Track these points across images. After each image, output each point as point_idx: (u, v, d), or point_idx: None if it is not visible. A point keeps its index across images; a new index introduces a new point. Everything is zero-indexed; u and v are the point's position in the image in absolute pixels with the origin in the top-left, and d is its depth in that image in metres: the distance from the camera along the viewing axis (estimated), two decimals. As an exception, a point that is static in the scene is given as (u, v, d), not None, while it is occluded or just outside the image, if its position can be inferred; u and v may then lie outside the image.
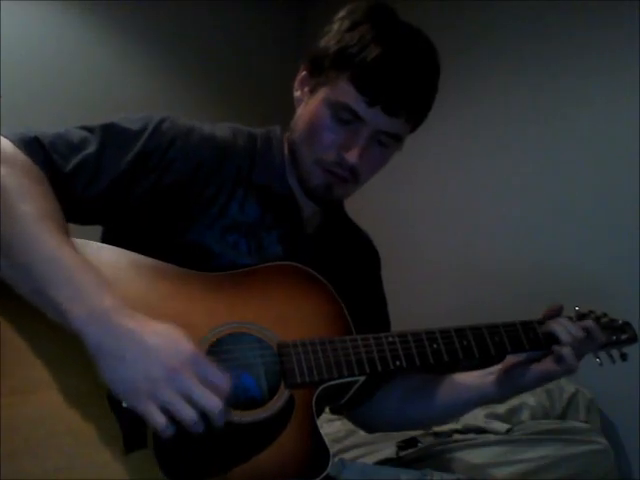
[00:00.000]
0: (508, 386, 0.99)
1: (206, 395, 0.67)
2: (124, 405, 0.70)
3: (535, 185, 2.21)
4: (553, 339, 0.95)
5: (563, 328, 0.95)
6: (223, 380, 0.70)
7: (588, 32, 2.08)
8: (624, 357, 1.04)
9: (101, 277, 0.73)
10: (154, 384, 0.67)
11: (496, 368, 1.01)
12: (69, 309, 0.68)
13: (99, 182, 0.85)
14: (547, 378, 0.96)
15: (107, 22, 2.51)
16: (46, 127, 0.86)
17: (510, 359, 1.00)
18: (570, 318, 1.01)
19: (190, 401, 0.67)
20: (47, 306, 0.71)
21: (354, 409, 1.13)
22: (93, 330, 0.68)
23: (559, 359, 0.93)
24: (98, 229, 0.96)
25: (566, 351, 0.93)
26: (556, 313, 1.00)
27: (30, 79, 2.27)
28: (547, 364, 0.95)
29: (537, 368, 0.96)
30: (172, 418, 0.67)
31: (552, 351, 0.95)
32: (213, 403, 0.68)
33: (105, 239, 0.93)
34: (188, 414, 0.67)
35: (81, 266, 0.72)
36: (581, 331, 0.95)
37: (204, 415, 0.68)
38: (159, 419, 0.66)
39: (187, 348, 0.69)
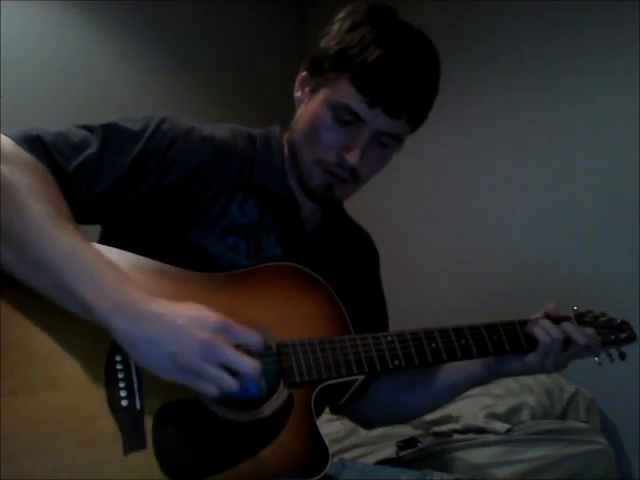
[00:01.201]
0: (494, 369, 1.01)
1: (241, 360, 0.71)
2: (123, 405, 0.70)
3: (535, 185, 2.21)
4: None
5: (542, 330, 0.97)
6: (254, 338, 0.73)
7: (588, 32, 2.08)
8: (623, 356, 1.04)
9: (119, 269, 0.74)
10: (191, 359, 0.69)
11: None
12: (94, 302, 0.70)
13: (101, 183, 0.85)
14: (530, 370, 0.99)
15: (107, 22, 2.51)
16: (46, 127, 0.86)
17: None
18: (568, 318, 1.01)
19: (229, 368, 0.70)
20: (69, 300, 0.71)
21: (352, 403, 1.13)
22: (121, 320, 0.70)
23: (544, 353, 0.96)
24: (97, 229, 0.96)
25: (541, 349, 0.96)
26: (553, 314, 1.00)
27: (30, 79, 2.27)
28: (533, 357, 0.97)
29: (522, 359, 0.98)
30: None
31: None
32: (249, 366, 0.71)
33: (103, 239, 0.93)
34: (231, 382, 0.70)
35: (100, 259, 0.73)
36: (559, 332, 0.96)
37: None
38: (211, 389, 0.71)
39: (213, 319, 0.72)
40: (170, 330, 0.70)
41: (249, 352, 0.73)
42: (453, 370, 1.04)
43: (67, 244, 0.72)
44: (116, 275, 0.73)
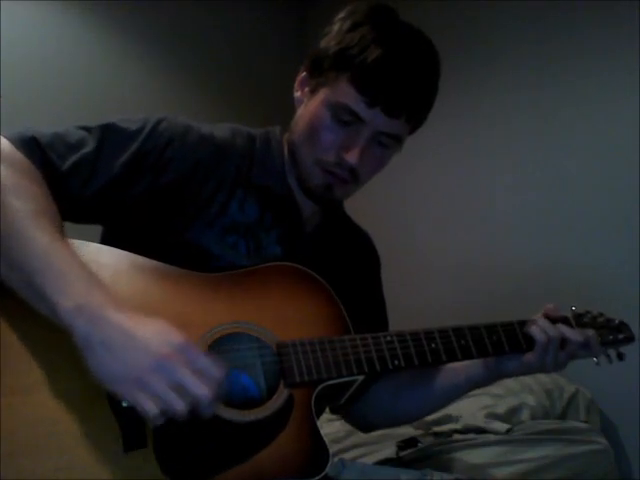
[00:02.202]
0: (494, 370, 1.00)
1: (196, 384, 0.67)
2: (124, 405, 0.70)
3: (535, 185, 2.21)
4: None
5: (539, 329, 0.96)
6: (215, 369, 0.69)
7: (588, 32, 2.08)
8: (621, 357, 1.04)
9: (92, 273, 0.73)
10: (143, 373, 0.66)
11: None
12: (58, 302, 0.69)
13: (96, 181, 0.86)
14: (529, 370, 0.98)
15: (107, 22, 2.51)
16: (46, 127, 0.87)
17: None
18: (566, 318, 1.01)
19: (179, 390, 0.67)
20: (38, 300, 0.71)
21: (351, 405, 1.13)
22: (81, 323, 0.68)
23: (542, 353, 0.96)
24: (98, 229, 0.96)
25: (537, 349, 0.95)
26: (552, 314, 1.00)
27: (30, 79, 2.27)
28: (528, 357, 0.97)
29: (522, 359, 0.97)
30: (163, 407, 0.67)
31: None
32: (202, 392, 0.67)
33: (105, 239, 0.94)
34: (178, 404, 0.66)
35: (72, 261, 0.72)
36: (556, 331, 0.96)
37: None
38: (150, 408, 0.66)
39: (177, 338, 0.69)
40: (128, 339, 0.67)
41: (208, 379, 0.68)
42: (453, 372, 1.04)
43: (42, 244, 0.71)
44: (87, 278, 0.71)
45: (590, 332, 0.99)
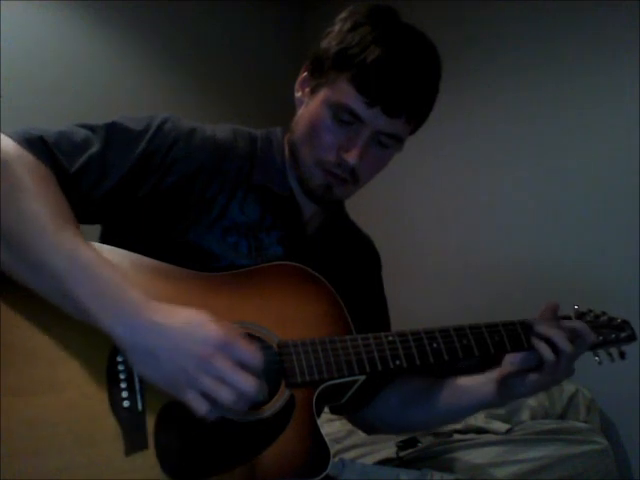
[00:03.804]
0: (506, 394, 0.98)
1: (240, 377, 0.69)
2: (125, 405, 0.70)
3: (535, 185, 2.21)
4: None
5: (547, 348, 0.93)
6: (254, 357, 0.71)
7: (588, 32, 2.08)
8: (623, 355, 1.04)
9: (121, 274, 0.73)
10: (189, 375, 0.68)
11: (495, 375, 1.01)
12: (94, 308, 0.69)
13: (104, 182, 0.85)
14: (542, 386, 0.96)
15: (107, 22, 2.51)
16: (46, 126, 0.86)
17: (507, 367, 1.00)
18: (568, 318, 1.01)
19: (227, 384, 0.69)
20: (68, 304, 0.71)
21: (353, 413, 1.13)
22: (122, 329, 0.69)
23: (546, 367, 0.93)
24: (97, 229, 0.96)
25: (559, 366, 0.92)
26: (552, 312, 0.99)
27: (30, 79, 2.27)
28: (540, 373, 0.94)
29: (532, 377, 0.95)
30: (214, 403, 0.69)
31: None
32: (248, 383, 0.69)
33: (104, 240, 0.93)
34: (226, 397, 0.68)
35: (101, 264, 0.72)
36: (570, 346, 0.92)
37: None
38: (202, 406, 0.68)
39: (214, 333, 0.70)
40: (169, 343, 0.69)
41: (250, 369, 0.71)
42: (464, 392, 1.03)
43: (68, 247, 0.71)
44: (119, 279, 0.72)
45: (578, 324, 0.96)
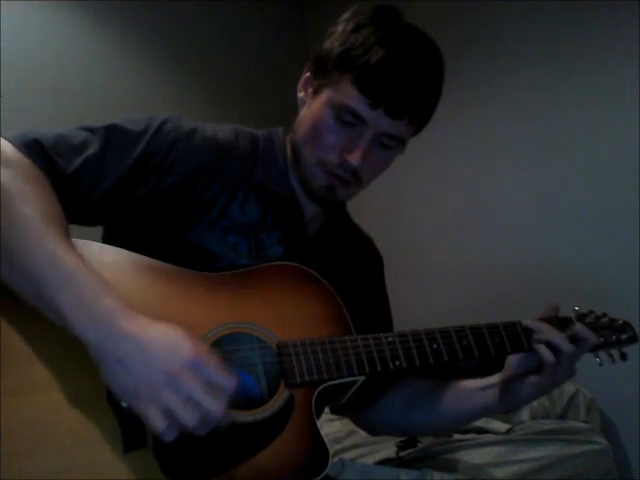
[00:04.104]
0: (509, 400, 0.98)
1: (207, 399, 0.66)
2: (123, 405, 0.70)
3: (535, 185, 2.21)
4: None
5: (547, 346, 0.93)
6: (226, 381, 0.68)
7: (588, 31, 2.08)
8: (624, 357, 1.04)
9: (101, 280, 0.72)
10: (155, 389, 0.66)
11: (497, 380, 1.01)
12: (69, 313, 0.68)
13: (102, 183, 0.85)
14: (544, 388, 0.96)
15: (107, 22, 2.51)
16: (46, 127, 0.86)
17: (508, 371, 1.00)
18: (569, 319, 1.01)
19: (192, 405, 0.66)
20: (48, 310, 0.70)
21: (355, 414, 1.13)
22: (94, 335, 0.68)
23: (546, 369, 0.93)
24: (99, 230, 0.96)
25: (559, 368, 0.92)
26: (552, 313, 0.99)
27: (30, 79, 2.27)
28: (541, 375, 0.94)
29: (533, 379, 0.95)
30: (174, 422, 0.66)
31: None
32: (215, 407, 0.66)
33: (106, 240, 0.93)
34: (189, 418, 0.66)
35: (80, 269, 0.71)
36: (569, 346, 0.92)
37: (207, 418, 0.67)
38: (159, 423, 0.66)
39: (187, 352, 0.68)
40: (139, 355, 0.67)
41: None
42: (468, 397, 1.03)
43: (49, 252, 0.70)
44: (95, 286, 0.70)
45: (579, 328, 0.96)
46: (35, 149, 0.81)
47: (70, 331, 0.69)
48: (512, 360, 1.00)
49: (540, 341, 0.94)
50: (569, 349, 0.92)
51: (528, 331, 0.96)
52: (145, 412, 0.66)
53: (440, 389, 1.07)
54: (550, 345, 0.93)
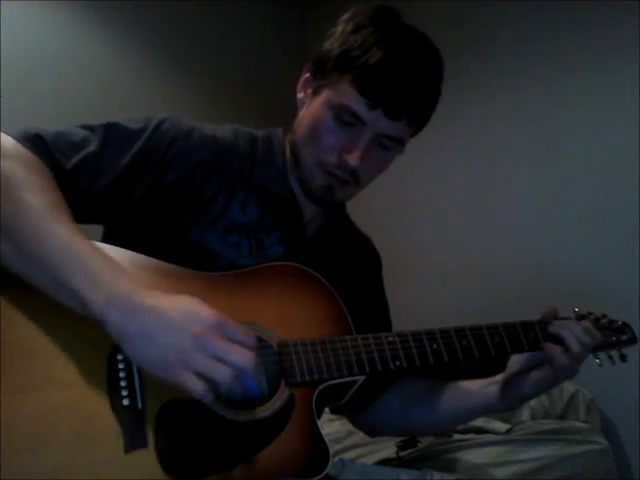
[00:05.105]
0: (510, 396, 0.98)
1: (237, 351, 0.69)
2: (125, 404, 0.70)
3: (536, 185, 2.21)
4: (558, 342, 0.94)
5: (572, 334, 0.93)
6: (247, 335, 0.72)
7: (588, 31, 2.08)
8: (624, 358, 1.04)
9: (115, 262, 0.73)
10: (185, 354, 0.67)
11: (499, 377, 1.01)
12: (88, 296, 0.69)
13: (100, 181, 0.86)
14: (547, 384, 0.96)
15: (107, 22, 2.51)
16: (46, 127, 0.86)
17: (512, 368, 1.00)
18: (569, 320, 1.01)
19: (222, 361, 0.68)
20: (65, 295, 0.71)
21: (354, 414, 1.13)
22: (115, 314, 0.69)
23: (561, 365, 0.92)
24: (99, 229, 0.96)
25: (573, 358, 0.92)
26: (551, 315, 0.99)
27: (30, 79, 2.27)
28: (545, 370, 0.94)
29: (536, 375, 0.95)
30: (210, 383, 0.68)
31: (549, 353, 0.93)
32: (244, 358, 0.69)
33: (106, 239, 0.93)
34: (224, 373, 0.68)
35: (94, 252, 0.73)
36: (589, 338, 0.93)
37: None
38: (197, 386, 0.67)
39: (208, 314, 0.70)
40: (163, 324, 0.69)
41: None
42: (466, 396, 1.03)
43: (62, 237, 0.72)
44: (111, 268, 0.72)
45: (587, 324, 0.97)
46: (37, 143, 0.82)
47: (88, 314, 0.70)
48: (516, 357, 1.00)
49: (551, 336, 0.94)
50: (577, 347, 0.92)
51: (528, 330, 0.97)
52: (180, 378, 0.68)
53: (440, 388, 1.07)
54: (561, 342, 0.93)
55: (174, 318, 0.69)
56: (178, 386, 0.69)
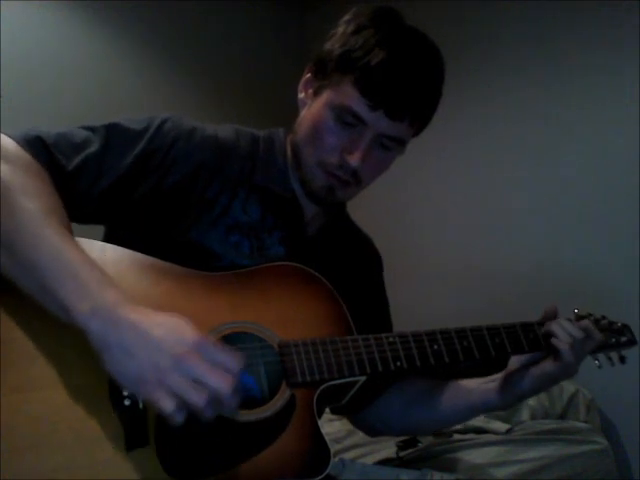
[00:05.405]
0: (509, 392, 0.98)
1: (216, 375, 0.66)
2: (126, 403, 0.70)
3: (535, 186, 2.21)
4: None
5: (561, 328, 0.95)
6: (233, 361, 0.68)
7: (588, 31, 2.08)
8: (623, 360, 1.04)
9: (103, 272, 0.72)
10: (162, 373, 0.65)
11: (499, 375, 1.01)
12: (72, 304, 0.68)
13: (101, 181, 0.86)
14: (546, 380, 0.96)
15: (107, 22, 2.51)
16: (46, 127, 0.86)
17: (511, 366, 1.00)
18: (569, 320, 1.01)
19: (199, 385, 0.66)
20: (51, 302, 0.70)
21: (354, 414, 1.13)
22: (97, 325, 0.68)
23: (557, 357, 0.93)
24: (100, 229, 0.96)
25: (564, 348, 0.92)
26: (552, 315, 0.99)
27: (30, 79, 2.27)
28: (545, 366, 0.95)
29: (535, 371, 0.96)
30: (182, 404, 0.66)
31: (551, 350, 0.94)
32: (222, 386, 0.66)
33: (107, 239, 0.93)
34: (197, 398, 0.65)
35: (84, 262, 0.72)
36: (580, 331, 0.95)
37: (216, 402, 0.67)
38: (168, 404, 0.65)
39: (191, 335, 0.68)
40: (144, 340, 0.67)
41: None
42: (466, 395, 1.03)
43: (52, 245, 0.71)
44: (99, 279, 0.71)
45: (586, 323, 0.97)
46: (37, 146, 0.82)
47: (72, 322, 0.69)
48: (516, 357, 1.00)
49: (556, 334, 0.95)
50: (580, 334, 0.93)
51: (528, 331, 0.97)
52: (152, 396, 0.66)
53: (440, 387, 1.07)
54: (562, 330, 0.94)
55: (157, 336, 0.67)
56: (149, 404, 0.67)
